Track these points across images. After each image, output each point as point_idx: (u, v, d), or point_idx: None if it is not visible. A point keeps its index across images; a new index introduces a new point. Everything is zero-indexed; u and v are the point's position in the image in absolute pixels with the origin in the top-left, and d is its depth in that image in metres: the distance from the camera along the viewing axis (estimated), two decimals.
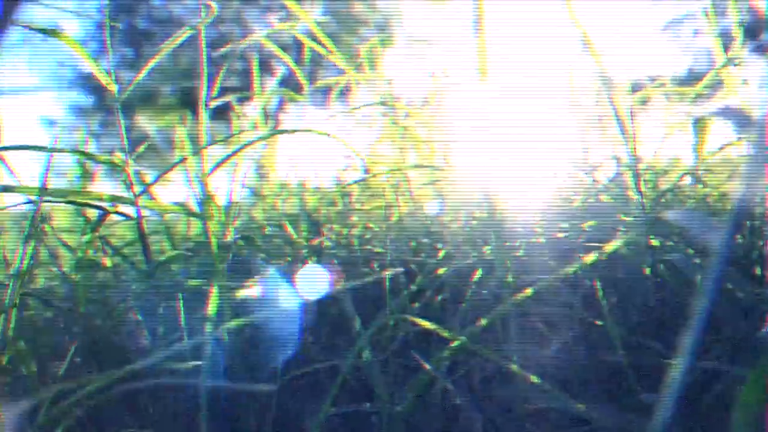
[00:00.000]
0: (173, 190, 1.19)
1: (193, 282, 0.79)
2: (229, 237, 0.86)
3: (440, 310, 0.86)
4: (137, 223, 0.80)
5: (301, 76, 1.66)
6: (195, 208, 0.89)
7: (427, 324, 0.56)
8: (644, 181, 0.80)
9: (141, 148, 1.07)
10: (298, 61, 1.69)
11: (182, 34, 0.89)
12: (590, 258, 0.54)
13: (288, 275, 0.99)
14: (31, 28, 0.78)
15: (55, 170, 1.18)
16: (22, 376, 0.63)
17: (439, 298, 0.92)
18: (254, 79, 1.47)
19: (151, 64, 0.88)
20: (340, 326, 0.97)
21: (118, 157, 0.82)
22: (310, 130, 0.89)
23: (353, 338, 0.95)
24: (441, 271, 0.89)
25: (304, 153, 1.59)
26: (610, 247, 0.60)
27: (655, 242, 0.78)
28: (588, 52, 0.71)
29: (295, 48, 1.73)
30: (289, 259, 0.97)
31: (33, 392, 0.63)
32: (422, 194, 1.19)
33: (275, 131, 0.91)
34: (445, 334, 0.54)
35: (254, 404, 0.77)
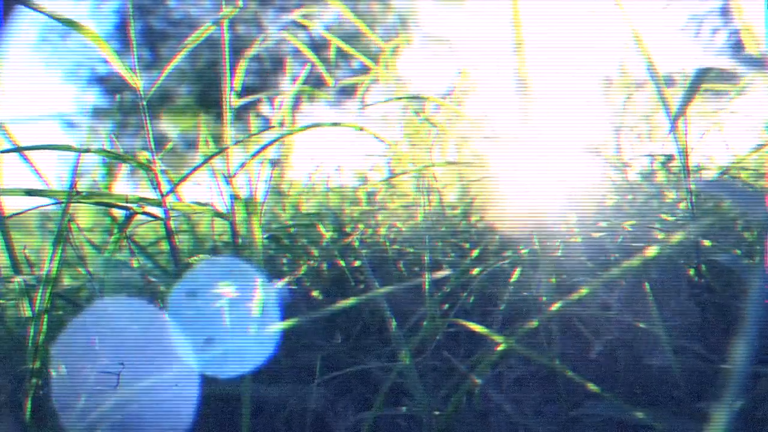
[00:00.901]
0: (195, 190, 1.17)
1: (222, 283, 0.77)
2: (257, 237, 0.84)
3: (476, 312, 0.83)
4: (164, 223, 0.78)
5: (326, 75, 1.64)
6: (221, 208, 0.87)
7: (478, 328, 0.53)
8: (691, 178, 0.76)
9: (168, 147, 1.05)
10: (318, 60, 1.68)
11: (205, 31, 0.87)
12: (638, 259, 0.51)
13: (318, 276, 0.97)
14: (59, 20, 0.77)
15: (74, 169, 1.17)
16: (54, 379, 0.61)
17: (472, 299, 0.89)
18: (283, 78, 1.45)
19: (175, 61, 0.86)
20: (373, 328, 0.95)
21: (144, 156, 0.80)
22: (341, 124, 0.87)
23: (384, 340, 0.93)
24: (475, 271, 0.86)
25: (326, 151, 1.57)
26: (654, 250, 0.56)
27: (705, 243, 0.75)
28: (637, 47, 0.68)
29: (311, 48, 1.72)
30: (319, 259, 0.95)
31: (68, 395, 0.61)
32: (451, 192, 1.16)
33: (304, 126, 0.88)
34: (499, 338, 0.51)
35: (290, 408, 0.75)
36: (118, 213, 1.05)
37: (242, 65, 1.19)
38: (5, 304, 0.84)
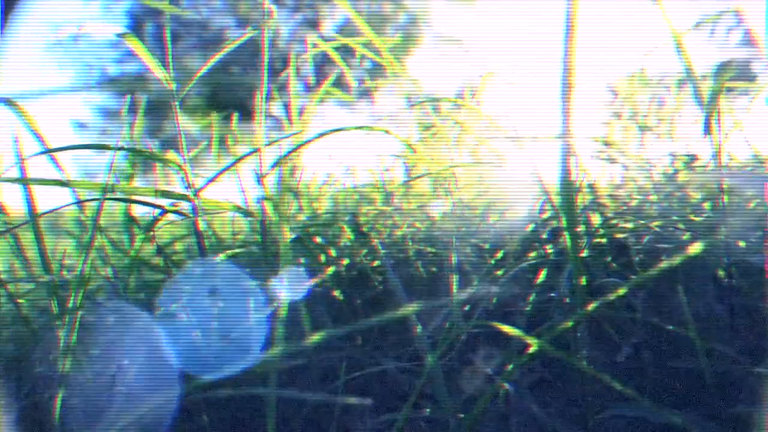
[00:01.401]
0: (221, 190, 1.18)
1: (250, 283, 0.77)
2: (285, 237, 0.84)
3: (498, 313, 0.83)
4: (193, 223, 0.78)
5: (350, 78, 1.65)
6: (250, 208, 0.88)
7: (510, 330, 0.53)
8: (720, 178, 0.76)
9: (201, 146, 1.06)
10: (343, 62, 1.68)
11: (244, 35, 0.88)
12: (672, 261, 0.51)
13: (339, 275, 0.97)
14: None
15: (88, 170, 1.18)
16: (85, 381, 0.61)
17: (495, 300, 0.89)
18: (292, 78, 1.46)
19: (210, 63, 0.86)
20: (390, 328, 0.95)
21: (174, 156, 0.81)
22: (369, 128, 0.87)
23: (404, 341, 0.93)
24: (499, 272, 0.86)
25: (340, 151, 1.57)
26: (693, 249, 0.56)
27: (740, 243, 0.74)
28: (676, 47, 0.68)
29: (322, 52, 1.72)
30: (340, 259, 0.95)
31: (97, 397, 0.61)
32: (471, 193, 1.16)
33: (334, 129, 0.88)
34: (532, 340, 0.51)
35: (313, 410, 0.75)
36: (139, 212, 1.06)
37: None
38: (29, 304, 0.85)
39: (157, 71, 0.84)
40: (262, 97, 0.92)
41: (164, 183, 1.45)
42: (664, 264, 0.57)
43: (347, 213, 1.20)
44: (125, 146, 0.73)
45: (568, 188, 0.58)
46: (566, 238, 0.61)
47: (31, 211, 0.58)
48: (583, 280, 0.66)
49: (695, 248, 0.44)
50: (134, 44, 0.81)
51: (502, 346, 0.78)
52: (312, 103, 1.52)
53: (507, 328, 0.52)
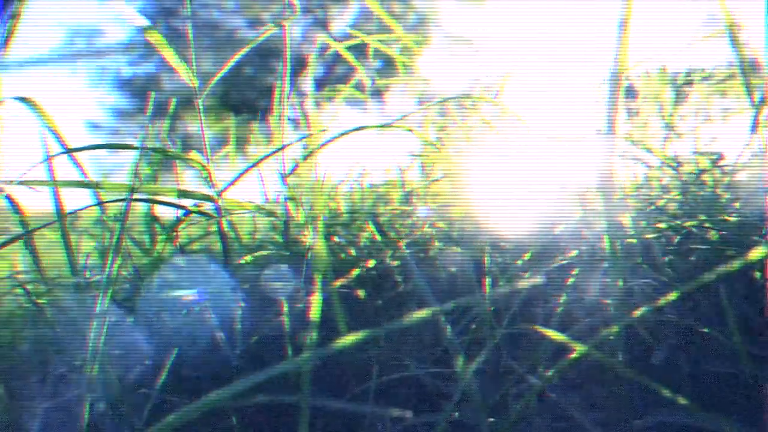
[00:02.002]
0: (238, 190, 1.17)
1: (276, 284, 0.76)
2: (308, 238, 0.83)
3: (527, 316, 0.81)
4: (217, 223, 0.77)
5: (364, 76, 1.64)
6: (274, 208, 0.87)
7: (553, 334, 0.51)
8: None
9: (227, 148, 1.05)
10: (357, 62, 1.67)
11: (265, 32, 0.86)
12: (732, 266, 0.49)
13: (361, 275, 0.96)
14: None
15: (104, 170, 1.17)
16: (113, 386, 0.60)
17: (525, 301, 0.87)
18: (305, 78, 1.45)
19: (232, 61, 0.85)
20: (412, 330, 0.93)
21: (196, 156, 0.80)
22: (391, 126, 0.86)
23: (427, 343, 0.91)
24: (527, 274, 0.84)
25: (353, 151, 1.56)
26: (756, 254, 0.54)
27: None
28: (734, 43, 0.66)
29: (332, 52, 1.72)
30: (374, 261, 0.94)
31: (131, 404, 0.60)
32: (495, 192, 1.14)
33: (355, 128, 0.87)
34: (578, 346, 0.49)
35: (339, 414, 0.73)
36: (161, 212, 1.05)
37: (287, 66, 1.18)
38: (49, 305, 0.84)
39: (180, 69, 0.83)
40: (283, 96, 0.91)
41: (180, 183, 1.44)
42: (723, 269, 0.55)
43: (367, 213, 1.18)
44: (149, 146, 0.72)
45: (610, 189, 0.57)
46: (605, 240, 0.60)
47: (58, 211, 0.57)
48: (620, 283, 0.64)
49: (759, 252, 0.42)
50: (157, 40, 0.80)
51: (535, 349, 0.76)
52: (328, 103, 1.51)
53: (551, 333, 0.51)
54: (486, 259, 0.74)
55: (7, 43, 0.78)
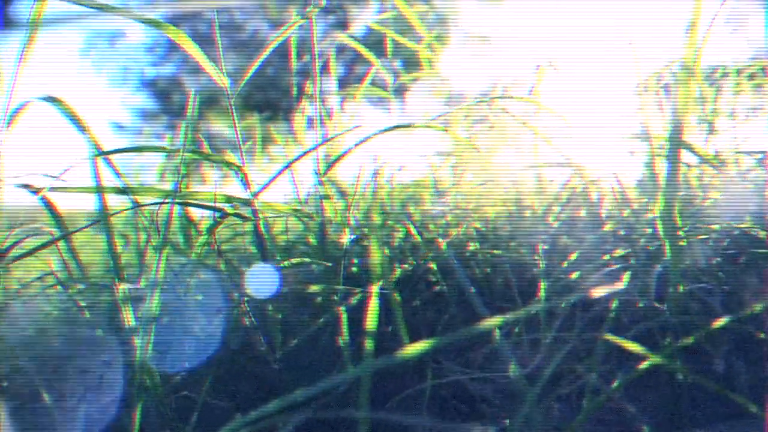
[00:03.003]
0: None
1: (315, 287, 0.74)
2: (345, 239, 0.81)
3: (580, 319, 0.78)
4: (254, 225, 0.75)
5: (387, 74, 1.61)
6: (308, 209, 0.85)
7: (628, 344, 0.48)
8: None
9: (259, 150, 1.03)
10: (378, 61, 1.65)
11: (291, 26, 0.84)
12: None
13: (407, 280, 0.93)
14: (143, 21, 0.75)
15: (127, 170, 1.16)
16: (161, 395, 0.59)
17: (563, 306, 0.84)
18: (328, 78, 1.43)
19: (260, 59, 0.83)
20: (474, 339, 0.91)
21: (232, 157, 0.78)
22: (428, 126, 0.83)
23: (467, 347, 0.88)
24: (574, 275, 0.81)
25: (388, 152, 1.54)
26: None
27: None
28: None
29: (350, 49, 1.70)
30: (413, 262, 0.91)
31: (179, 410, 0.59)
32: (535, 191, 1.11)
33: (392, 126, 0.85)
34: (658, 359, 0.47)
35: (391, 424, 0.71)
36: (195, 214, 1.04)
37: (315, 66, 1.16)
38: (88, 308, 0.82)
39: (209, 69, 0.82)
40: (316, 90, 0.89)
41: (207, 184, 1.43)
42: None
43: (400, 213, 1.16)
44: (185, 148, 0.70)
45: (673, 189, 0.54)
46: (665, 244, 0.57)
47: (102, 212, 0.55)
48: (681, 287, 0.61)
49: None
50: (183, 41, 0.78)
51: (591, 356, 0.73)
52: (352, 102, 1.49)
53: (624, 342, 0.48)
54: (542, 263, 0.71)
55: (30, 44, 0.77)
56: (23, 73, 0.74)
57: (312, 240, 1.02)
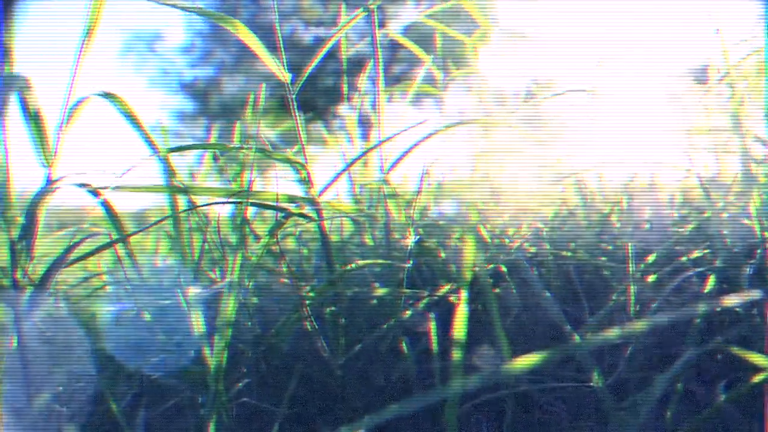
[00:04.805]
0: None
1: (381, 290, 0.71)
2: (410, 240, 0.77)
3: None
4: (319, 226, 0.73)
5: (436, 71, 1.58)
6: (370, 210, 0.82)
7: (754, 357, 0.44)
8: None
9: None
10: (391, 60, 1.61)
11: (354, 18, 0.82)
12: None
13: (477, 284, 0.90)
14: (205, 15, 0.73)
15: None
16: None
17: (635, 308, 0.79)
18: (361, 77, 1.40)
19: (323, 52, 0.81)
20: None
21: (294, 155, 0.76)
22: (495, 124, 0.80)
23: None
24: (652, 278, 0.76)
25: (438, 151, 1.50)
26: None
27: None
28: None
29: (390, 47, 1.66)
30: (481, 263, 0.87)
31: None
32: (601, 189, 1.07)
33: (452, 123, 0.81)
34: None
35: None
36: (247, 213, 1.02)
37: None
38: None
39: (269, 62, 0.79)
40: (379, 91, 0.86)
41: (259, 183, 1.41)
42: None
43: (459, 214, 1.12)
44: (248, 146, 0.68)
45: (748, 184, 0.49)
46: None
47: (173, 211, 0.53)
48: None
49: None
50: (243, 33, 0.76)
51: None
52: (402, 100, 1.46)
53: (753, 356, 0.43)
54: (631, 266, 0.66)
55: (88, 41, 0.75)
56: (82, 70, 0.73)
57: (368, 240, 0.99)
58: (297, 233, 1.11)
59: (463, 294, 0.44)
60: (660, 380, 0.42)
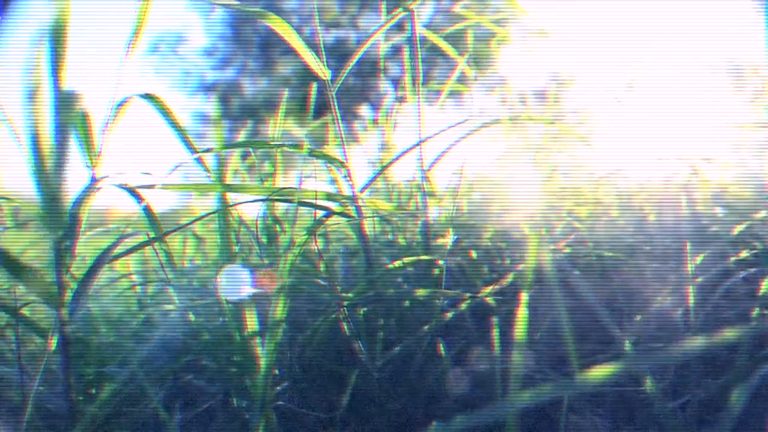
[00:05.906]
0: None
1: (422, 291, 0.69)
2: (449, 240, 0.76)
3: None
4: (358, 225, 0.71)
5: (467, 70, 1.56)
6: (408, 207, 0.80)
7: None
8: None
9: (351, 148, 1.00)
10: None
11: (394, 17, 0.80)
12: None
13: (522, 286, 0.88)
14: (247, 11, 0.72)
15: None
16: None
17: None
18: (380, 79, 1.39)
19: (360, 53, 0.80)
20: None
21: (335, 153, 0.74)
22: (532, 119, 0.78)
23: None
24: (699, 279, 0.74)
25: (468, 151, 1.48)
26: None
27: None
28: None
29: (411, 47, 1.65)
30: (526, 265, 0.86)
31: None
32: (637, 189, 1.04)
33: (492, 120, 0.80)
34: None
35: None
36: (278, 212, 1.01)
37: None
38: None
39: (309, 59, 0.78)
40: (417, 87, 0.84)
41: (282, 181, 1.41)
42: None
43: (490, 213, 1.10)
44: (286, 143, 0.67)
45: None
46: None
47: (223, 209, 0.53)
48: None
49: None
50: (281, 27, 0.75)
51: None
52: (438, 101, 1.44)
53: None
54: (690, 267, 0.64)
55: (134, 41, 0.75)
56: (126, 70, 0.73)
57: (401, 240, 0.98)
58: (322, 232, 1.10)
59: (524, 295, 0.42)
60: (738, 393, 0.40)
